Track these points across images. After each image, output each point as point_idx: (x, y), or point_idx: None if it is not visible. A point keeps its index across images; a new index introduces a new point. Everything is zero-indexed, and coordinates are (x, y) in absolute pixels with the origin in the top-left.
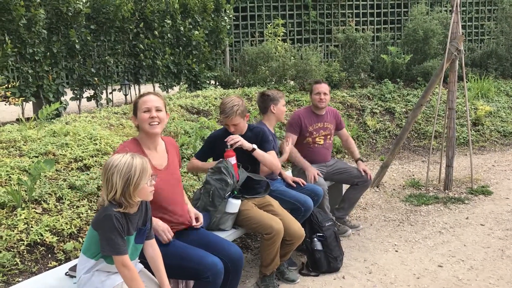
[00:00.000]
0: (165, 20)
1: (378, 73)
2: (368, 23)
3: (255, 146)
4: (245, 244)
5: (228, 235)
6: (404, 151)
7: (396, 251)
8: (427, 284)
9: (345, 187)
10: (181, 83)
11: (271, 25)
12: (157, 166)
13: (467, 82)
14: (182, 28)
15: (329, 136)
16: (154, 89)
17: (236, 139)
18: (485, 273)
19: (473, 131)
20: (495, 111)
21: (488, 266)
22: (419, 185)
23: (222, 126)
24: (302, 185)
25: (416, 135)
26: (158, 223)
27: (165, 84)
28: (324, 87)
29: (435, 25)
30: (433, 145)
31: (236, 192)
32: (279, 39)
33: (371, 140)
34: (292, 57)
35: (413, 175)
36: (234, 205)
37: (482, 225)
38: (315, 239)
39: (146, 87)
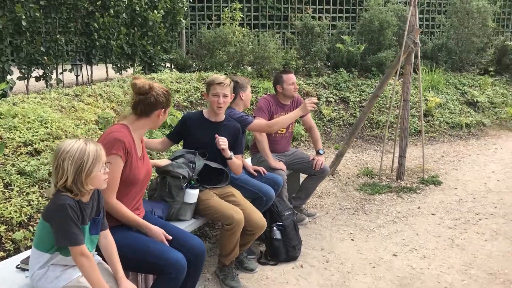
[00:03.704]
0: None
1: (333, 62)
2: (324, 11)
3: (232, 155)
4: (203, 233)
5: (188, 225)
6: (358, 140)
7: (352, 239)
8: (382, 273)
9: (302, 176)
10: (135, 65)
11: (228, 9)
12: (139, 154)
13: (417, 74)
14: (137, 8)
15: (291, 125)
16: (107, 70)
17: (224, 145)
18: (437, 262)
19: (423, 122)
20: (444, 103)
21: (439, 255)
22: (373, 174)
23: (180, 112)
24: (263, 174)
25: (369, 124)
26: (154, 232)
27: (118, 65)
28: (294, 76)
29: (390, 17)
30: (385, 134)
31: (193, 182)
32: (236, 24)
33: (326, 128)
34: (250, 43)
35: (367, 164)
36: (192, 195)
37: (433, 214)
38: (274, 228)
39: (98, 68)
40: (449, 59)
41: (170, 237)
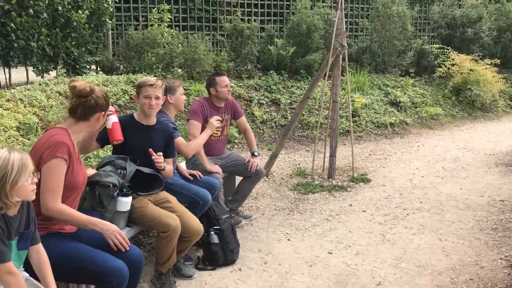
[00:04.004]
0: None
1: (264, 64)
2: (253, 14)
3: (165, 166)
4: (137, 241)
5: None
6: (289, 141)
7: (289, 239)
8: (319, 272)
9: (238, 178)
10: (58, 68)
11: (155, 10)
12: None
13: (344, 75)
14: (60, 8)
15: (225, 128)
16: (27, 73)
17: (161, 162)
18: (370, 257)
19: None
20: (369, 103)
21: (372, 251)
22: (305, 174)
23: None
24: (199, 178)
25: (300, 125)
26: (110, 226)
27: (40, 68)
28: (227, 79)
29: (317, 20)
30: (316, 135)
31: (125, 190)
32: (165, 25)
33: (258, 130)
34: (179, 45)
35: (299, 164)
36: (124, 203)
37: (364, 211)
38: (212, 232)
39: (18, 71)
40: (373, 61)
41: (124, 234)
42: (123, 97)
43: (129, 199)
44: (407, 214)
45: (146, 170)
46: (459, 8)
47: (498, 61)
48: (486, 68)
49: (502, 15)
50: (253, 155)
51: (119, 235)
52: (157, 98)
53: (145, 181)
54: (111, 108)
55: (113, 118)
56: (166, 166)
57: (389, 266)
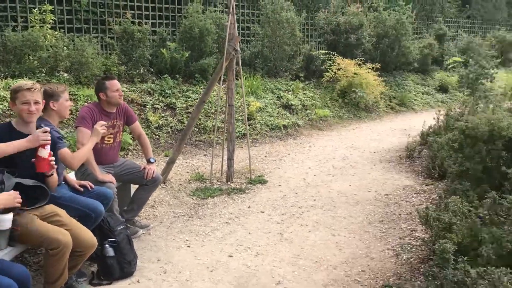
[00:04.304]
0: None
1: (157, 68)
2: (144, 17)
3: (54, 171)
4: (22, 260)
5: (4, 254)
6: (187, 146)
7: (189, 246)
8: (220, 276)
9: (133, 187)
10: None
11: (37, 10)
12: None
13: (238, 79)
14: None
15: (118, 135)
16: None
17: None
18: (270, 257)
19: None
20: (263, 106)
21: (271, 250)
22: (204, 179)
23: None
24: (90, 189)
25: (197, 130)
26: (32, 136)
27: None
28: (118, 83)
29: (209, 24)
30: (213, 139)
31: None
32: (48, 27)
33: (154, 136)
34: (65, 47)
35: (198, 169)
36: (5, 221)
37: (262, 212)
38: (107, 245)
39: None
40: (265, 65)
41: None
42: (2, 104)
43: (9, 216)
44: (302, 212)
45: (28, 182)
46: (343, 15)
47: (378, 65)
48: (368, 72)
49: (380, 22)
50: (149, 161)
51: (41, 132)
52: (36, 103)
53: (29, 194)
54: (48, 136)
55: (49, 148)
56: (54, 175)
57: (287, 264)
